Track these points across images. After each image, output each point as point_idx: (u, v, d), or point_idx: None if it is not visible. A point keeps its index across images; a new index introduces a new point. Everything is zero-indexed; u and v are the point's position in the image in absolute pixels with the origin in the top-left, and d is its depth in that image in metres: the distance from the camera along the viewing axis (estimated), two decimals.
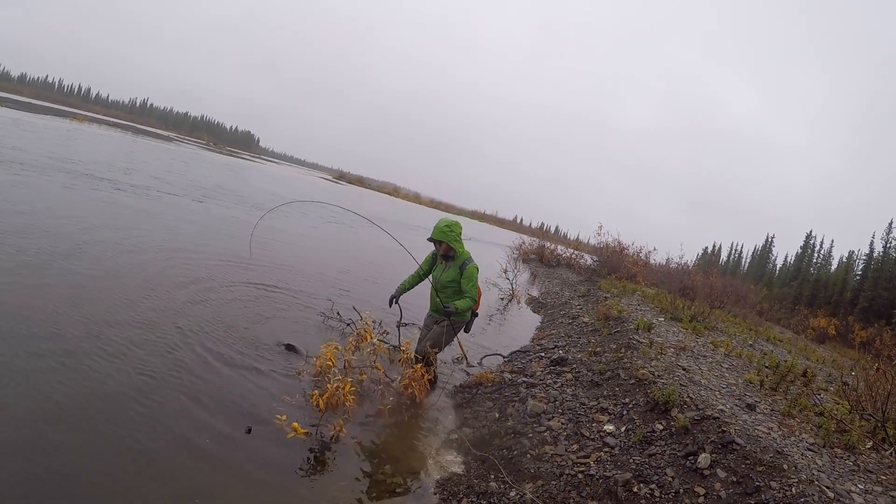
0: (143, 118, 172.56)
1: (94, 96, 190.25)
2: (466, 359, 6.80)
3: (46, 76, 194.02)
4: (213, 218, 14.38)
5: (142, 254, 8.44)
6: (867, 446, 4.98)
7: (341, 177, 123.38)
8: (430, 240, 6.41)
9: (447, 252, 6.34)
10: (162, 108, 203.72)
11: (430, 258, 6.63)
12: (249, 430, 4.29)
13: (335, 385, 4.67)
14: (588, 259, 27.60)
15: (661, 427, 4.85)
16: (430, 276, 6.58)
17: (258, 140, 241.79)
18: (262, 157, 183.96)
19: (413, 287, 6.59)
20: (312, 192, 35.91)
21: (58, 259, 6.96)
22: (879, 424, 5.31)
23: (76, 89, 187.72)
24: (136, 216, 11.46)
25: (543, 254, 30.61)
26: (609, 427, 5.11)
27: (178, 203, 15.11)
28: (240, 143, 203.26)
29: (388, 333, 7.28)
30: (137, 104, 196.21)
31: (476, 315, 6.72)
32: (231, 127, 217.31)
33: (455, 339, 6.76)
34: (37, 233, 7.86)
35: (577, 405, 5.77)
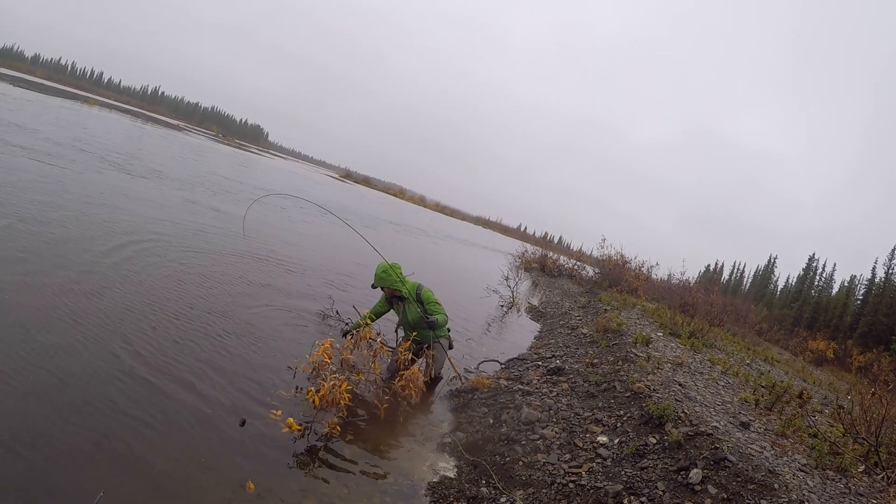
0: (153, 106, 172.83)
1: (106, 81, 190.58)
2: (460, 377, 6.83)
3: (60, 58, 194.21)
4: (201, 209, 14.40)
5: (131, 244, 8.46)
6: (859, 470, 5.00)
7: (347, 175, 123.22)
8: (374, 287, 6.69)
9: (394, 294, 6.59)
10: (173, 96, 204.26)
11: (384, 300, 6.87)
12: (243, 423, 4.30)
13: (331, 383, 4.68)
14: (590, 271, 27.62)
15: (655, 441, 4.86)
16: (399, 319, 6.90)
17: (267, 134, 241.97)
18: (270, 151, 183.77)
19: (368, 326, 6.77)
20: (297, 189, 35.91)
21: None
22: (873, 448, 5.32)
23: (89, 73, 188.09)
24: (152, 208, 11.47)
25: (546, 263, 30.64)
26: (602, 438, 5.12)
27: (183, 197, 15.12)
28: (248, 136, 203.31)
29: (384, 335, 7.30)
30: (149, 91, 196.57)
31: (449, 329, 7.01)
32: (241, 120, 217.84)
33: (447, 359, 6.85)
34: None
35: (572, 415, 5.78)
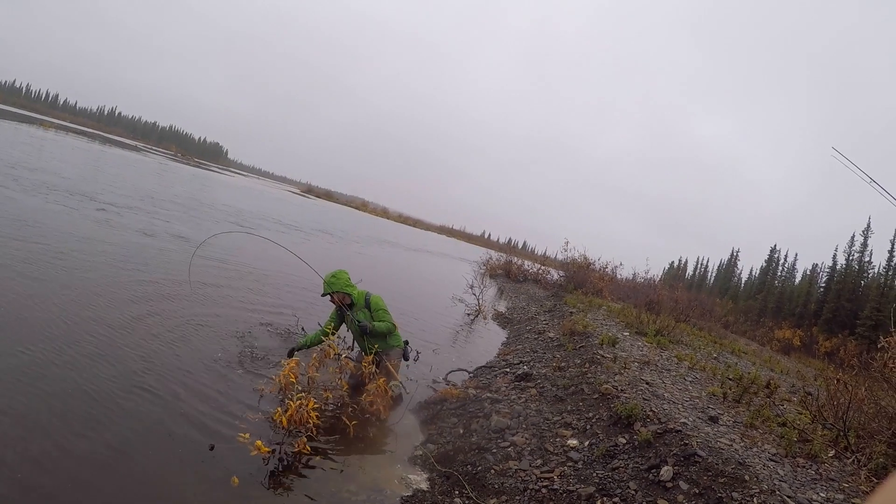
0: (110, 127, 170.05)
1: (61, 103, 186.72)
2: (403, 387, 6.65)
3: (14, 80, 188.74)
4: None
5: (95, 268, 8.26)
6: (829, 455, 5.06)
7: (309, 190, 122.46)
8: (323, 296, 6.63)
9: (343, 300, 6.51)
10: (130, 116, 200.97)
11: (334, 315, 6.72)
12: (212, 448, 4.20)
13: (298, 402, 4.61)
14: (555, 274, 27.81)
15: (624, 441, 4.87)
16: (349, 329, 6.84)
17: (226, 151, 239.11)
18: (230, 169, 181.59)
19: (316, 344, 6.48)
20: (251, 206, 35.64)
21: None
22: (841, 433, 5.40)
23: (44, 95, 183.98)
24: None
25: (511, 269, 30.82)
26: (573, 442, 5.11)
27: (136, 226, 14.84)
28: (208, 154, 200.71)
29: (351, 349, 7.22)
30: (105, 112, 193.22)
31: (407, 342, 6.94)
32: (200, 138, 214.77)
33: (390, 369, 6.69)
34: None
35: (541, 420, 5.77)
